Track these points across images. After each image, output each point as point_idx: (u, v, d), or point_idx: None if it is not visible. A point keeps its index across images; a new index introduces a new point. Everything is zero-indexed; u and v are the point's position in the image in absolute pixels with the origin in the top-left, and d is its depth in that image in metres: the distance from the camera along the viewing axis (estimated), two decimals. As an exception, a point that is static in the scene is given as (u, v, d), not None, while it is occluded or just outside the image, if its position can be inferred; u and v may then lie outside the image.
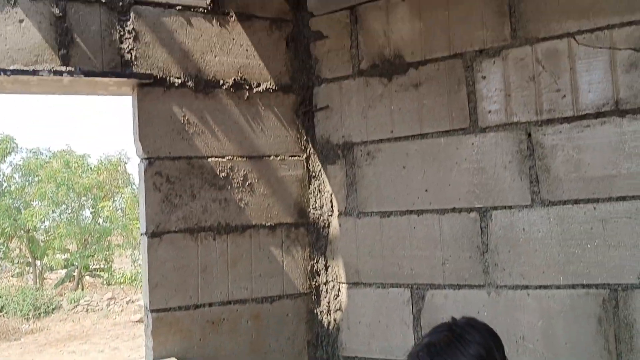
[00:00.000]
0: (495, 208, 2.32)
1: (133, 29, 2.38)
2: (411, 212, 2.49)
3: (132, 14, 2.39)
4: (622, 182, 2.11)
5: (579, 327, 2.15)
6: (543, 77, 2.27)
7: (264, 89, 2.63)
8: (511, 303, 2.27)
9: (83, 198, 15.84)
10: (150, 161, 2.38)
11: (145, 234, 2.35)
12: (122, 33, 2.37)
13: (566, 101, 2.22)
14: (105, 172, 16.42)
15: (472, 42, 2.40)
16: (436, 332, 1.32)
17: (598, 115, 2.16)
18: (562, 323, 2.17)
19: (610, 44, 2.15)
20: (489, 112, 2.36)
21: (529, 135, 2.28)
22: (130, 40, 2.38)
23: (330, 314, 2.64)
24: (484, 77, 2.38)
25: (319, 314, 2.64)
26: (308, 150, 2.71)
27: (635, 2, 2.11)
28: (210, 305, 2.40)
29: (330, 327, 2.63)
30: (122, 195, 16.46)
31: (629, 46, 2.12)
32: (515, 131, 2.31)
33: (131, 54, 2.38)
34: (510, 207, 2.30)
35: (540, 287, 2.22)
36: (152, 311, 2.30)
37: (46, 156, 16.78)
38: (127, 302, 13.40)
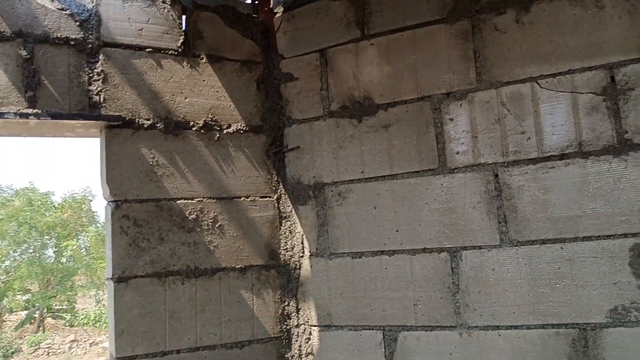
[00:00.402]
0: (465, 248, 2.34)
1: (102, 70, 2.37)
2: (382, 252, 2.49)
3: (101, 56, 2.38)
4: (587, 222, 2.15)
5: (550, 367, 2.16)
6: (508, 119, 2.32)
7: (235, 130, 2.63)
8: (483, 344, 2.27)
9: (46, 237, 15.44)
10: (118, 204, 2.33)
11: (112, 279, 2.29)
12: (90, 75, 2.35)
13: (531, 143, 2.28)
14: (69, 210, 16.08)
15: (439, 85, 2.45)
16: None
17: (562, 156, 2.22)
18: (534, 363, 2.18)
19: (572, 88, 2.23)
20: (457, 153, 2.40)
21: (496, 176, 2.32)
22: (99, 82, 2.36)
23: (301, 359, 2.59)
24: (451, 119, 2.42)
25: (290, 358, 2.59)
26: (279, 190, 2.71)
27: (594, 48, 2.20)
28: (177, 352, 2.33)
29: (302, 372, 2.59)
30: (87, 233, 16.11)
31: (590, 90, 2.20)
32: (483, 172, 2.35)
33: (100, 95, 2.36)
34: (479, 247, 2.32)
35: (511, 327, 2.23)
36: (117, 359, 2.22)
37: (8, 194, 16.37)
38: (91, 345, 12.96)
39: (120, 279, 2.28)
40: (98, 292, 15.36)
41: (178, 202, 2.44)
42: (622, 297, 2.06)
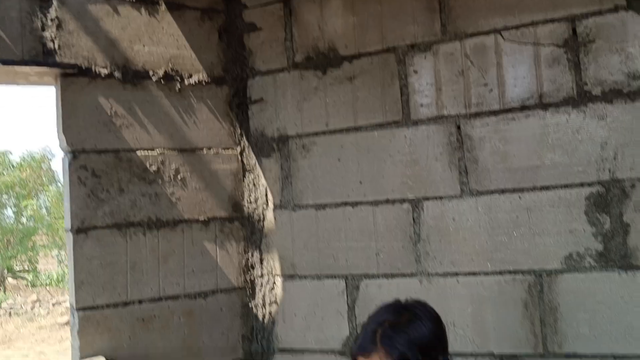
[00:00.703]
0: (427, 199, 2.37)
1: (56, 17, 2.27)
2: (346, 204, 2.51)
3: (54, 2, 2.27)
4: (545, 172, 2.20)
5: (506, 312, 2.23)
6: (472, 71, 2.33)
7: (197, 81, 2.57)
8: (442, 290, 2.32)
9: (5, 196, 15.04)
10: (75, 154, 2.27)
11: (70, 230, 2.25)
12: (44, 21, 2.25)
13: (493, 95, 2.29)
14: (28, 170, 15.64)
15: (404, 36, 2.43)
16: (391, 312, 1.35)
17: (523, 108, 2.24)
18: (491, 309, 2.25)
19: (535, 40, 2.24)
20: (421, 105, 2.40)
21: (459, 127, 2.34)
22: (53, 29, 2.26)
23: (265, 308, 2.62)
24: (415, 72, 2.42)
25: (254, 307, 2.61)
26: (242, 143, 2.68)
27: (558, 1, 2.20)
28: (140, 302, 2.32)
29: (266, 321, 2.61)
30: (47, 193, 15.75)
31: (552, 42, 2.21)
32: (446, 124, 2.36)
33: (54, 42, 2.26)
34: (440, 198, 2.35)
35: (469, 274, 2.29)
36: (78, 310, 2.20)
37: (-36, 154, 15.83)
38: (54, 305, 12.83)
39: (79, 230, 2.24)
40: (60, 252, 15.14)
41: (138, 153, 2.39)
42: (577, 244, 2.13)
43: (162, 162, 2.44)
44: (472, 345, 2.28)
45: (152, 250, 2.37)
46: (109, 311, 2.26)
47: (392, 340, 1.29)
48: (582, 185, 2.15)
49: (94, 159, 2.30)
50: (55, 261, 15.65)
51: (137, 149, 2.39)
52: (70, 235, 2.25)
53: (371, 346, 1.31)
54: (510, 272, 2.23)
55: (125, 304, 2.29)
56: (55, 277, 13.80)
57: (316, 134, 2.58)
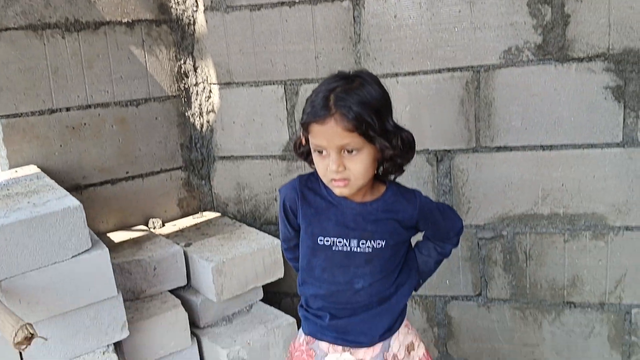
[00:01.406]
0: (368, -5, 2.24)
1: None
2: (282, 3, 2.35)
3: None
4: (490, -39, 2.09)
5: (443, 109, 2.25)
6: None
7: None
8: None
9: None
10: (-31, -59, 1.98)
11: (-22, 30, 2.03)
12: None
13: None
14: None
15: None
16: (340, 79, 1.32)
17: None
18: (428, 107, 2.26)
19: None
20: None
21: None
22: None
23: (202, 116, 2.55)
24: None
25: (190, 116, 2.54)
26: (165, -64, 2.40)
27: None
28: (67, 109, 2.20)
29: (204, 129, 2.56)
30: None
31: None
32: None
33: None
34: (382, -6, 2.23)
35: (409, 73, 2.25)
36: (0, 117, 2.07)
37: None
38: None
39: (-11, 30, 2.03)
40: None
41: (45, -58, 2.11)
42: (516, 38, 2.10)
43: (75, -44, 2.17)
44: (409, 144, 2.32)
45: (74, 55, 2.19)
46: (35, 119, 2.13)
47: (346, 102, 1.26)
48: (526, -25, 2.06)
49: (-7, -52, 2.01)
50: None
51: (43, -62, 2.10)
52: (-22, 37, 2.04)
53: (325, 112, 1.27)
54: (449, 69, 2.21)
55: (52, 111, 2.17)
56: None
57: None
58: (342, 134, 1.26)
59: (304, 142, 1.41)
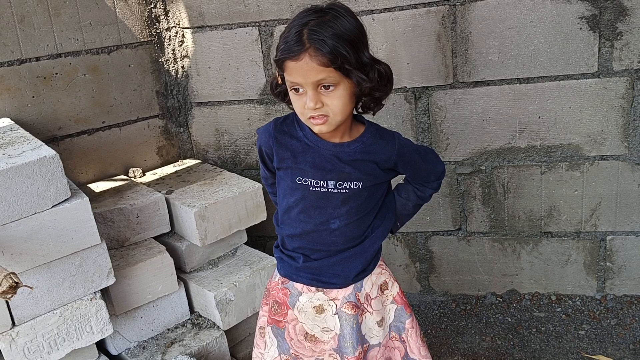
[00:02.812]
0: None
1: None
2: (252, -59, 2.28)
3: None
4: None
5: (419, 46, 2.23)
6: None
7: None
8: (357, 30, 2.26)
9: None
10: None
11: None
12: None
13: None
14: None
15: None
16: (312, 13, 1.28)
17: None
18: (405, 44, 2.24)
19: None
20: None
21: None
22: None
23: (177, 62, 2.51)
24: None
25: (164, 63, 2.49)
26: None
27: None
28: (37, 59, 2.14)
29: (179, 75, 2.52)
30: None
31: None
32: None
33: None
34: None
35: (384, 10, 2.22)
36: (-33, 70, 2.02)
37: None
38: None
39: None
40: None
41: None
42: (491, -31, 2.07)
43: None
44: (387, 82, 2.30)
45: (40, 2, 2.12)
46: (4, 70, 2.08)
47: (319, 35, 1.24)
48: None
49: None
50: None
51: None
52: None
53: (298, 47, 1.23)
54: (425, 4, 2.18)
55: (21, 61, 2.11)
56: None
57: None
58: (318, 69, 1.24)
59: (279, 81, 1.38)
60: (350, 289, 1.45)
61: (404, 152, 1.44)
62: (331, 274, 1.45)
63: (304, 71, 1.25)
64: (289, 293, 1.49)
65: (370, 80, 1.30)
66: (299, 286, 1.48)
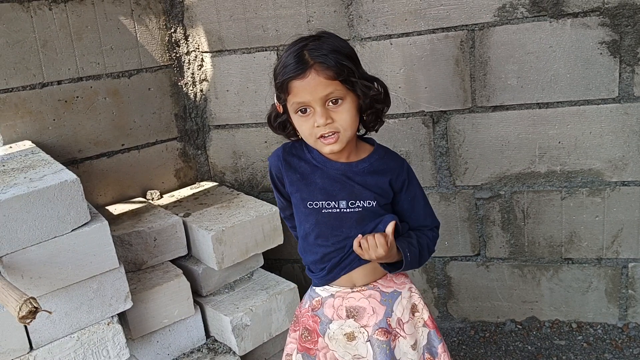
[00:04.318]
0: (359, -45, 2.20)
1: None
2: (272, -33, 2.31)
3: None
4: None
5: (438, 70, 2.23)
6: None
7: None
8: (375, 54, 2.27)
9: None
10: None
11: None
12: None
13: None
14: None
15: None
16: (305, 38, 1.31)
17: None
18: (423, 69, 2.24)
19: None
20: None
21: None
22: None
23: (195, 86, 2.53)
24: None
25: (183, 86, 2.52)
26: None
27: None
28: (59, 83, 2.17)
29: (198, 99, 2.54)
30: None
31: None
32: None
33: None
34: (373, -47, 2.18)
35: (402, 34, 2.23)
36: (-9, 90, 2.05)
37: None
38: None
39: (-27, 5, 1.99)
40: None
41: None
42: (510, -6, 2.07)
43: None
44: (404, 106, 2.31)
45: (63, 27, 2.16)
46: (26, 93, 2.11)
47: (320, 51, 1.26)
48: None
49: None
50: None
51: None
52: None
53: (302, 65, 1.25)
54: (443, 29, 2.18)
55: (43, 85, 2.14)
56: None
57: None
58: (325, 83, 1.25)
59: (280, 109, 1.38)
60: (381, 314, 1.43)
61: (411, 177, 1.46)
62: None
63: (311, 87, 1.26)
64: (319, 320, 1.47)
65: (374, 90, 1.33)
66: (329, 313, 1.46)
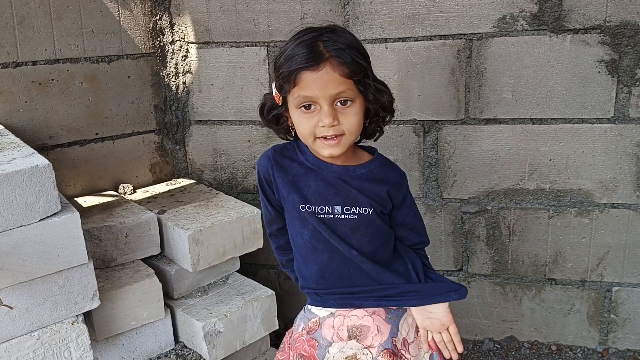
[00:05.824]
0: (359, -46, 2.13)
1: None
2: (267, -41, 2.22)
3: None
4: None
5: (432, 78, 2.17)
6: None
7: None
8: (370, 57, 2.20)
9: None
10: None
11: None
12: None
13: None
14: None
15: None
16: (317, 29, 1.21)
17: None
18: (417, 76, 2.18)
19: None
20: None
21: None
22: None
23: (178, 77, 2.41)
24: None
25: (165, 76, 2.40)
26: None
27: None
28: (34, 63, 2.03)
29: (180, 91, 2.42)
30: None
31: None
32: None
33: None
34: (374, -46, 2.12)
35: (399, 39, 2.16)
36: (-42, 69, 1.90)
37: None
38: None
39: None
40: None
41: None
42: (512, 6, 2.03)
43: None
44: (396, 113, 2.22)
45: (42, 4, 2.02)
46: (-2, 72, 1.97)
47: (337, 45, 1.16)
48: (526, -61, 1.98)
49: None
50: None
51: None
52: None
53: (317, 57, 1.15)
54: (440, 36, 2.13)
55: (17, 64, 2.00)
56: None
57: None
58: (339, 81, 1.15)
59: (279, 101, 1.25)
60: (386, 334, 1.33)
61: (408, 189, 1.39)
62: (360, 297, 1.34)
63: (323, 83, 1.15)
64: (316, 344, 1.35)
65: (386, 96, 1.27)
66: (328, 334, 1.35)
